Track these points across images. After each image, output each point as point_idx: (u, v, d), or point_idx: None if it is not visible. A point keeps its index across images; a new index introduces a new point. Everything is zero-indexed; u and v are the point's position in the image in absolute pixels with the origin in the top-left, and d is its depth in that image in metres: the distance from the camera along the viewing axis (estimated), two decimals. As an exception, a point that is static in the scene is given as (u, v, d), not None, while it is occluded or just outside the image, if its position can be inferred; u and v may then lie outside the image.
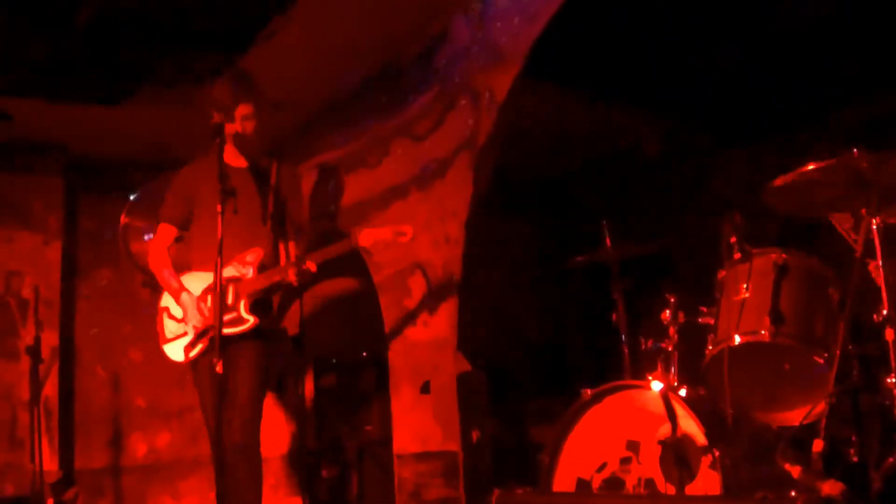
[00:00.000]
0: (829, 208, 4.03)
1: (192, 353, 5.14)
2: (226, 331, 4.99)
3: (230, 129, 5.13)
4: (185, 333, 5.18)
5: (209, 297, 5.14)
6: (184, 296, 5.19)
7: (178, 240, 5.55)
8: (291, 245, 5.39)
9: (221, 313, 4.41)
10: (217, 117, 5.17)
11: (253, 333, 5.10)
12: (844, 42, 6.30)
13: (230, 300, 5.06)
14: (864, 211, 3.74)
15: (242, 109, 5.16)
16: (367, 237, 5.06)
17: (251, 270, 5.10)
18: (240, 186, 4.96)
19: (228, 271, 5.06)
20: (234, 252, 5.07)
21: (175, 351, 5.23)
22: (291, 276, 5.02)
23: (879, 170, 3.67)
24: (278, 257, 5.30)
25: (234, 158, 5.25)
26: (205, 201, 5.25)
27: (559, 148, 8.22)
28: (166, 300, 5.36)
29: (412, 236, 5.12)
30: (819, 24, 6.21)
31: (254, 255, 5.11)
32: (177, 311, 5.26)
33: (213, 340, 4.94)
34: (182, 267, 5.34)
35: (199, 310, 5.13)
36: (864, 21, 6.09)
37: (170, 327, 5.28)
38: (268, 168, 5.36)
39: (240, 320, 5.03)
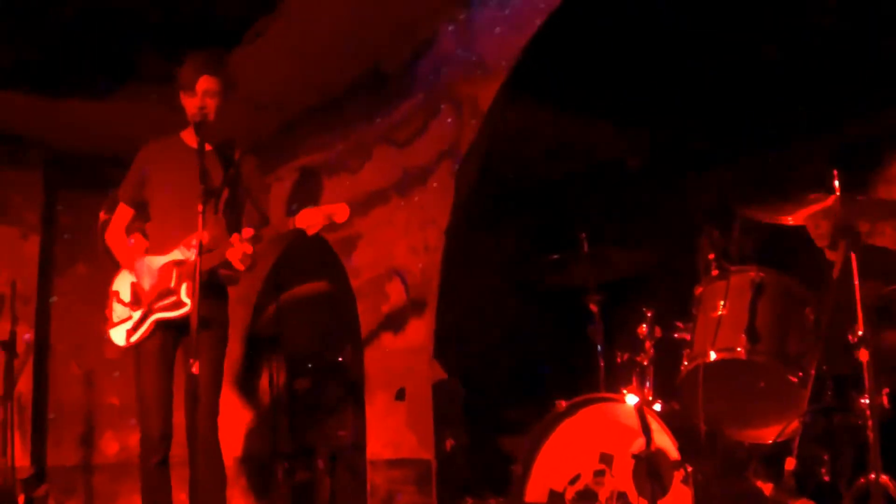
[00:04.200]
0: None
1: (134, 338, 5.07)
2: (164, 314, 5.02)
3: (192, 106, 5.06)
4: (129, 318, 5.13)
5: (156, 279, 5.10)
6: (137, 263, 5.16)
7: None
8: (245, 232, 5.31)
9: (198, 310, 4.36)
10: (182, 97, 5.13)
11: (206, 323, 4.95)
12: (833, 61, 6.33)
13: (172, 283, 5.00)
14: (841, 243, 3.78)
15: (205, 82, 5.06)
16: (302, 218, 4.95)
17: (194, 253, 4.99)
18: (191, 169, 4.87)
19: (174, 254, 5.03)
20: (182, 234, 4.98)
21: (119, 335, 5.16)
22: (231, 257, 4.87)
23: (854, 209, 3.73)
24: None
25: (193, 138, 5.09)
26: (163, 183, 5.20)
27: (542, 159, 8.23)
28: (117, 284, 5.29)
29: (348, 217, 5.01)
30: (808, 42, 6.24)
31: (198, 239, 5.00)
32: (125, 296, 5.20)
33: (159, 325, 5.02)
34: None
35: (153, 273, 5.07)
36: (853, 40, 6.12)
37: (117, 311, 5.21)
38: (230, 155, 5.29)
39: (178, 304, 4.96)
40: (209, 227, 5.02)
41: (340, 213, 4.92)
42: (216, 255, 4.95)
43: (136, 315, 5.09)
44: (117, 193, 5.45)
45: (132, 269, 5.22)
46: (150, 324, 5.04)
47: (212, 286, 5.09)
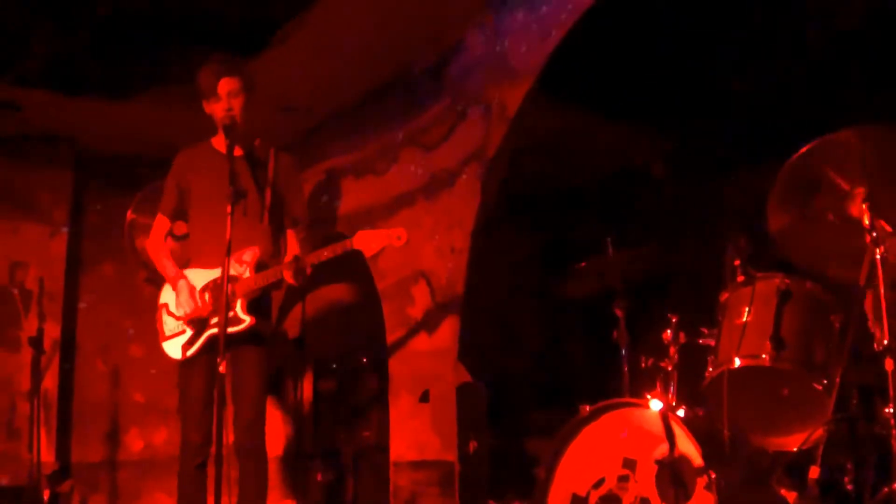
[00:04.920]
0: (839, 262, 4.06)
1: (190, 352, 5.10)
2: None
3: (219, 110, 5.08)
4: (183, 332, 5.16)
5: (207, 294, 5.14)
6: (181, 283, 5.16)
7: (183, 237, 5.53)
8: (291, 234, 5.37)
9: (227, 313, 4.42)
10: (205, 104, 5.16)
11: (253, 338, 5.08)
12: (855, 65, 6.32)
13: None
14: (868, 239, 3.76)
15: (226, 84, 5.08)
16: (360, 239, 5.02)
17: (248, 270, 5.05)
18: (240, 177, 4.91)
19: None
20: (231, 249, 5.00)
21: (173, 348, 5.19)
22: (288, 277, 4.99)
23: (877, 146, 3.72)
24: (278, 254, 5.28)
25: (223, 144, 5.08)
26: (200, 193, 5.23)
27: (568, 163, 8.24)
28: (165, 296, 5.32)
29: (407, 240, 5.07)
30: (829, 48, 6.23)
31: (251, 254, 5.04)
32: (175, 309, 5.24)
33: (213, 340, 5.00)
34: (182, 262, 5.33)
35: (194, 299, 5.10)
36: (876, 45, 6.11)
37: (168, 325, 5.24)
38: (265, 158, 5.32)
39: (236, 320, 4.97)
40: (258, 239, 5.09)
41: (399, 236, 4.98)
42: (271, 273, 5.02)
43: (191, 329, 5.13)
44: (157, 206, 5.46)
45: (175, 287, 5.22)
46: (206, 338, 5.08)
47: (261, 301, 5.14)
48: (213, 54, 5.30)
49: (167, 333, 5.25)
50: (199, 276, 5.18)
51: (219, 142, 5.24)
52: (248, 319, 4.99)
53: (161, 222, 5.42)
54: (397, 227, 5.06)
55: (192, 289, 5.13)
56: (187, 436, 5.13)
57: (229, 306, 4.94)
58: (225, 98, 5.09)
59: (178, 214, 5.39)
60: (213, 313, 5.07)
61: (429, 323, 6.79)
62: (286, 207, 5.37)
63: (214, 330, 5.04)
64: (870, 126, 3.74)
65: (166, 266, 5.32)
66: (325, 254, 5.06)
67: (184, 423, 5.17)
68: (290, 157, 5.53)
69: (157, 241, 5.41)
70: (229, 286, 4.87)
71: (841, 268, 4.11)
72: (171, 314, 5.25)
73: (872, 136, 3.75)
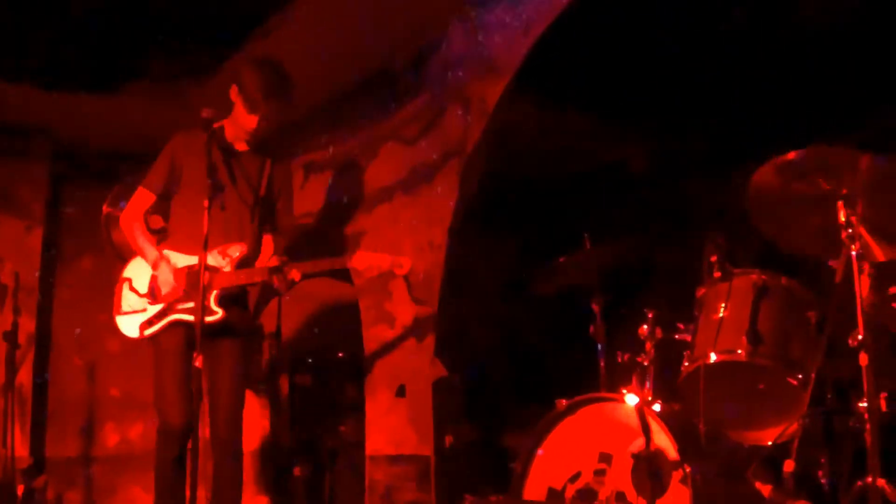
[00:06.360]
0: (819, 247, 4.09)
1: (148, 332, 5.04)
2: (186, 317, 4.96)
3: (245, 120, 5.03)
4: (144, 310, 5.08)
5: (181, 279, 5.08)
6: (163, 264, 5.08)
7: (160, 231, 5.47)
8: (268, 239, 5.33)
9: (204, 308, 4.39)
10: (233, 95, 5.08)
11: (230, 331, 5.05)
12: (837, 65, 6.34)
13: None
14: (843, 236, 3.79)
15: (270, 109, 5.03)
16: (361, 260, 5.00)
17: (230, 264, 5.01)
18: (236, 172, 4.90)
19: (208, 259, 4.95)
20: (217, 240, 4.93)
21: (129, 325, 5.09)
22: (275, 282, 4.93)
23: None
24: (258, 254, 5.25)
25: (235, 141, 5.16)
26: (192, 177, 5.11)
27: (547, 159, 8.23)
28: (130, 271, 5.22)
29: (409, 270, 5.07)
30: (811, 47, 6.26)
31: (238, 250, 5.02)
32: (140, 285, 5.14)
33: (176, 325, 4.99)
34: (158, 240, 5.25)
35: (175, 280, 5.03)
36: (858, 46, 6.14)
37: (129, 300, 5.14)
38: (263, 161, 5.30)
39: (207, 311, 4.87)
40: (247, 237, 5.07)
41: (404, 266, 4.97)
42: (257, 273, 4.97)
43: (154, 310, 5.05)
44: (142, 182, 5.30)
45: (156, 267, 5.14)
46: (168, 322, 5.02)
47: (235, 296, 5.11)
48: (273, 62, 5.18)
49: (125, 308, 5.14)
50: (177, 260, 5.12)
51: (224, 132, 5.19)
52: (219, 312, 4.94)
53: (142, 196, 5.25)
54: (402, 256, 5.04)
55: (174, 270, 5.06)
56: (165, 423, 4.97)
57: (204, 296, 4.85)
58: (257, 119, 5.02)
59: (162, 194, 5.27)
60: (183, 300, 5.02)
61: (406, 318, 6.78)
62: (275, 215, 5.35)
63: (178, 316, 5.01)
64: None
65: (144, 245, 5.19)
66: (322, 266, 5.05)
67: (160, 406, 4.99)
68: (287, 168, 5.52)
69: (134, 214, 5.25)
70: (206, 275, 4.84)
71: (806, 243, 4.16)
72: (133, 290, 5.15)
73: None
